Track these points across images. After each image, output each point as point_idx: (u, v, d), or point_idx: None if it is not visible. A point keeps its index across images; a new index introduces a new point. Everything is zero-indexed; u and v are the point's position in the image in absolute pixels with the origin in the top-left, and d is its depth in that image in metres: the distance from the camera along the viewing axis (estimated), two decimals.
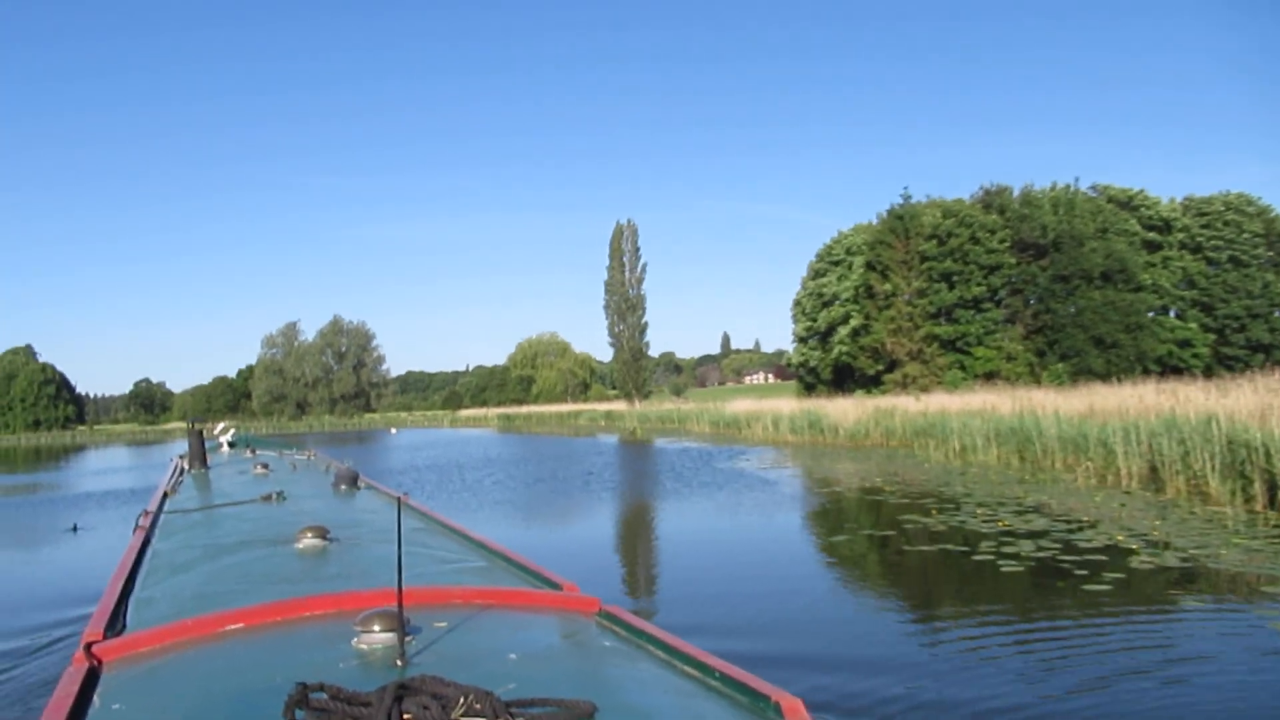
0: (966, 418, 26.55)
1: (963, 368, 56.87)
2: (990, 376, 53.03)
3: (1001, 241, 57.61)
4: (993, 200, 60.55)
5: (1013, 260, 57.76)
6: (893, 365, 59.15)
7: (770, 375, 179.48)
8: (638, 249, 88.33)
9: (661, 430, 57.27)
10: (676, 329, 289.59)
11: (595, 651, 2.89)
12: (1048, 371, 53.90)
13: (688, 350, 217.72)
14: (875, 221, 64.83)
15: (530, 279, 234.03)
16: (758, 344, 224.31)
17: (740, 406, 49.91)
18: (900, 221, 59.68)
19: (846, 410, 36.44)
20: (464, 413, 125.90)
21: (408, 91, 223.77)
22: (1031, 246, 57.82)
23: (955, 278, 57.59)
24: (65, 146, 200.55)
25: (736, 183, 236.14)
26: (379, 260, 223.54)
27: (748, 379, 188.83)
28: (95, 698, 2.51)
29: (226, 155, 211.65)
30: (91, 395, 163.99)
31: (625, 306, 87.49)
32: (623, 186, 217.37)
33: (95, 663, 2.80)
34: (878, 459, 27.08)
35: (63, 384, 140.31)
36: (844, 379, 64.96)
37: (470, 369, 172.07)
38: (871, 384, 59.57)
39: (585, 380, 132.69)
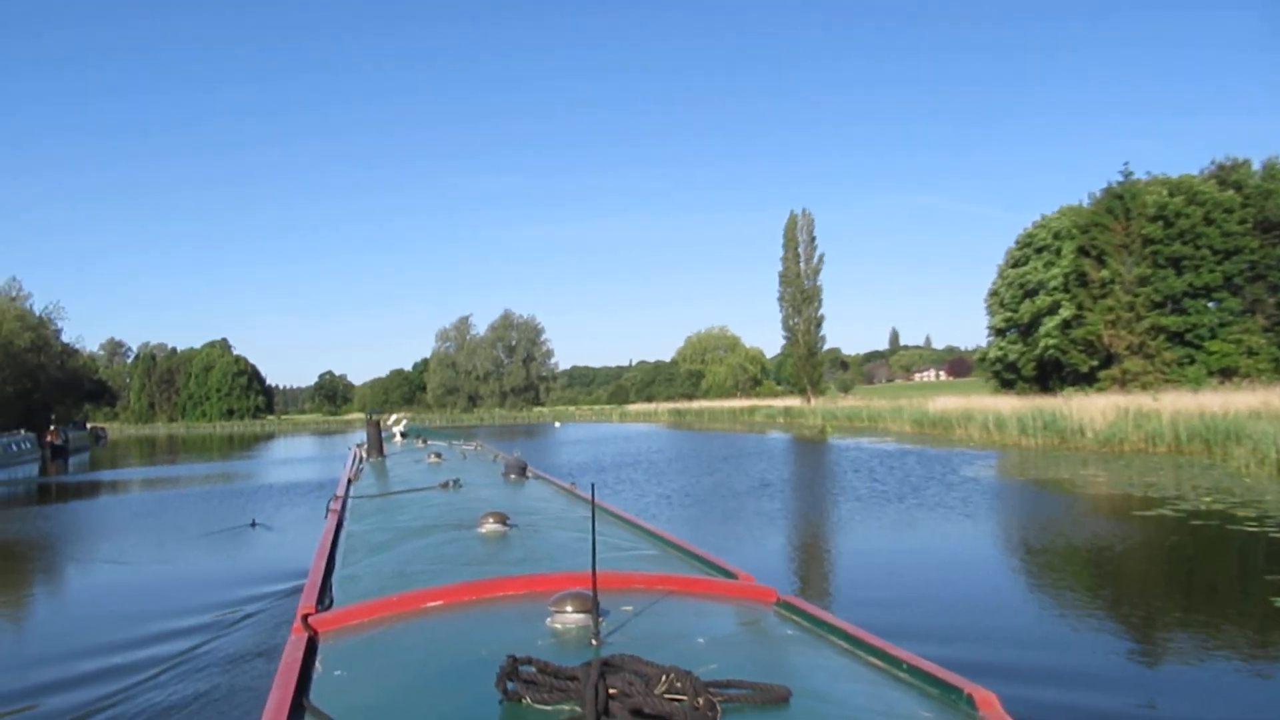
0: (1268, 420, 22.43)
1: (1192, 363, 51.05)
2: (1226, 373, 47.31)
3: (1241, 222, 51.41)
4: (1228, 176, 54.21)
5: (1255, 243, 51.39)
6: (1109, 360, 53.81)
7: (942, 372, 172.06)
8: (813, 238, 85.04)
9: (850, 429, 54.16)
10: (842, 324, 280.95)
11: (778, 639, 2.96)
12: None
13: (853, 346, 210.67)
14: (1086, 203, 59.34)
15: (698, 273, 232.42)
16: (928, 340, 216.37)
17: (948, 404, 46.14)
18: (1119, 201, 54.25)
19: (1093, 410, 32.27)
20: (632, 407, 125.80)
21: (574, 92, 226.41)
22: (1276, 227, 51.29)
23: (1184, 263, 51.89)
24: (254, 147, 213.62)
25: (907, 175, 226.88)
26: (547, 257, 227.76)
27: (917, 376, 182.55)
28: (317, 664, 2.77)
29: (402, 156, 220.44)
30: (280, 386, 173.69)
31: (800, 298, 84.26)
32: (789, 182, 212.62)
33: (312, 633, 3.10)
34: (1166, 469, 23.13)
35: (254, 375, 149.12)
36: (1049, 375, 59.80)
37: (633, 364, 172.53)
38: (1084, 381, 54.46)
39: (756, 376, 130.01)
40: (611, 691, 2.03)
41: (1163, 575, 12.22)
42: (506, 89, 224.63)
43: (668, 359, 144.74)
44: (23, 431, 56.76)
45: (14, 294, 70.93)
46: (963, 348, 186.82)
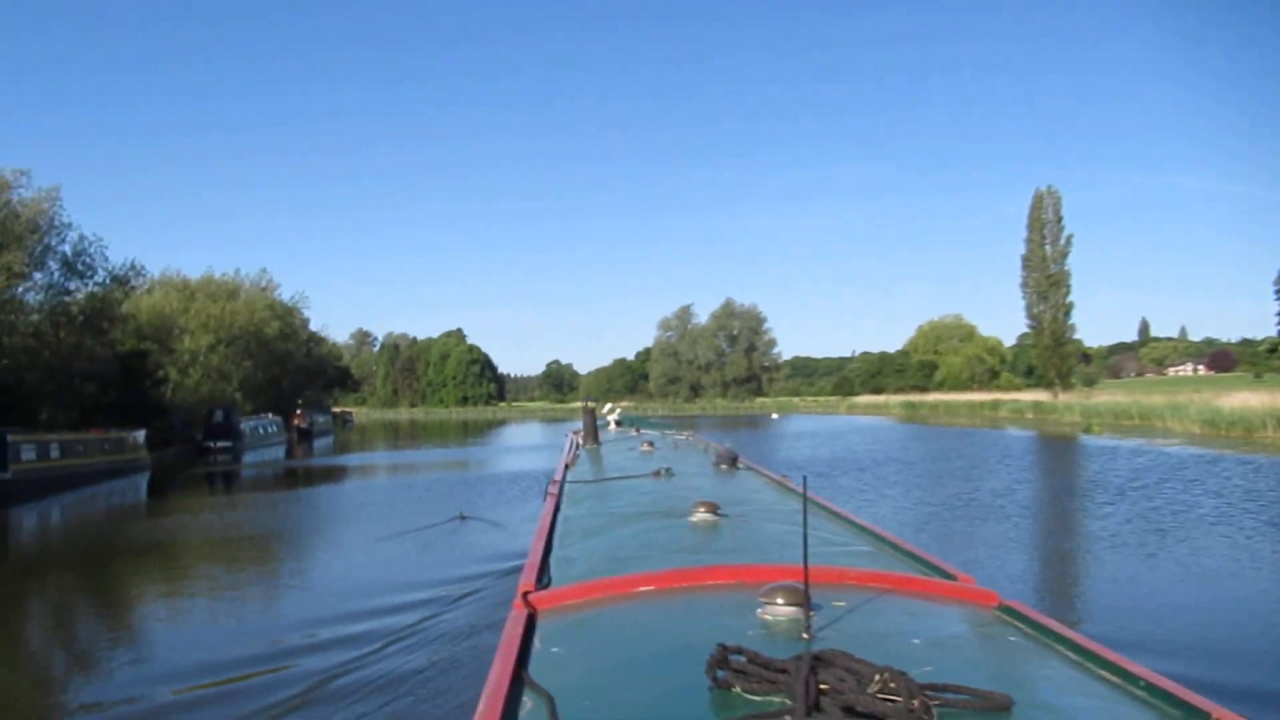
0: None
1: None
2: None
3: None
4: None
5: None
6: None
7: (1201, 366, 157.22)
8: (1060, 219, 79.82)
9: (1115, 427, 49.83)
10: (1083, 313, 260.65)
11: (1000, 645, 2.85)
12: None
13: (1095, 338, 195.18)
14: None
15: (929, 259, 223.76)
16: (1183, 331, 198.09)
17: (1249, 400, 41.46)
18: None
19: None
20: (860, 399, 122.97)
21: (796, 82, 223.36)
22: None
23: None
24: (489, 142, 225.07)
25: (1160, 155, 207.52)
26: (770, 245, 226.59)
27: (1170, 370, 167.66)
28: (536, 640, 2.92)
29: (628, 150, 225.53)
30: (510, 374, 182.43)
31: (1046, 284, 79.32)
32: (1032, 161, 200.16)
33: (531, 610, 3.27)
34: None
35: (487, 364, 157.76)
36: None
37: (857, 354, 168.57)
38: None
39: (994, 367, 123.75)
40: (822, 687, 2.03)
41: None
42: (732, 84, 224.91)
43: (893, 349, 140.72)
44: (271, 415, 62.24)
45: (264, 284, 77.63)
46: (1225, 339, 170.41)
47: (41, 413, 37.82)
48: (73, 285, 41.58)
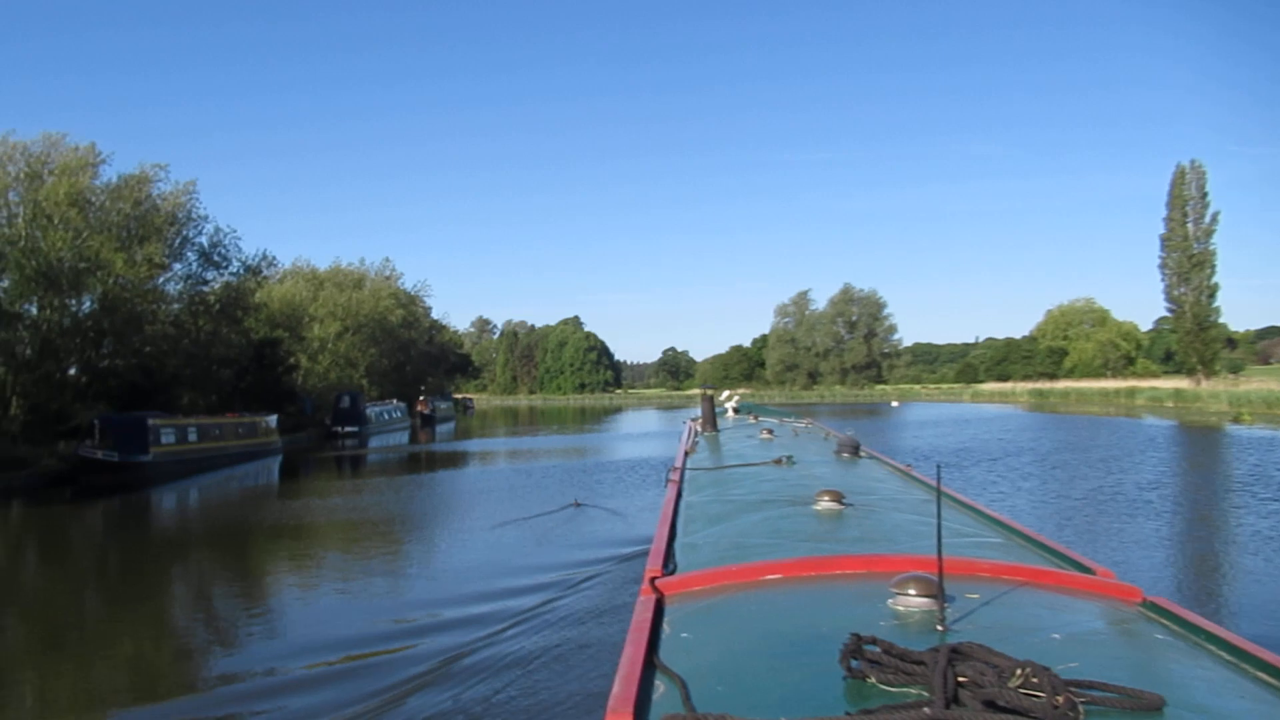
0: None
1: None
2: None
3: None
4: None
5: None
6: None
7: None
8: (1205, 195, 75.58)
9: (1268, 417, 46.97)
10: (1227, 296, 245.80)
11: (1145, 642, 2.77)
12: None
13: (1241, 322, 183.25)
14: None
15: (1058, 241, 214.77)
16: None
17: None
18: None
19: None
20: (984, 387, 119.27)
21: (915, 62, 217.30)
22: None
23: None
24: (601, 131, 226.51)
25: None
26: (888, 228, 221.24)
27: None
28: (665, 624, 2.95)
29: (742, 136, 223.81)
30: (627, 362, 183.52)
31: (1188, 265, 75.23)
32: (1170, 134, 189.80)
33: (659, 595, 3.30)
34: None
35: (603, 351, 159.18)
36: None
37: (980, 340, 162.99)
38: None
39: (1129, 353, 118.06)
40: (961, 680, 1.99)
41: None
42: (850, 65, 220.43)
43: (1019, 335, 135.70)
44: (395, 401, 63.91)
45: (388, 273, 79.78)
46: None
47: (182, 398, 39.72)
48: (209, 275, 43.48)
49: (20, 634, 11.48)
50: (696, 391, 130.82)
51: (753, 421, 14.93)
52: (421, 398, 73.42)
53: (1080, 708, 1.95)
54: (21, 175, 34.20)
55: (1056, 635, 2.64)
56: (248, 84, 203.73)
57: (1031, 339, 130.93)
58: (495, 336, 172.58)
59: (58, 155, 35.60)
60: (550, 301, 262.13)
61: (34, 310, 33.78)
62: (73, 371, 35.40)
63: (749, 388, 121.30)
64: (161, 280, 40.16)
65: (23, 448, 28.44)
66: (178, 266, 41.71)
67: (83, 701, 8.69)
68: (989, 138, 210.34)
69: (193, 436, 32.26)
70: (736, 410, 17.67)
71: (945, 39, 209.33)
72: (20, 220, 33.56)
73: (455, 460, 36.15)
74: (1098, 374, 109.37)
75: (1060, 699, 1.91)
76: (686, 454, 9.34)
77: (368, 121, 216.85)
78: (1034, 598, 3.15)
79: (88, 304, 35.77)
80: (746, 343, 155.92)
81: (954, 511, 5.32)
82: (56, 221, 33.48)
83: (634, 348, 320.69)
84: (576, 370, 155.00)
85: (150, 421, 29.52)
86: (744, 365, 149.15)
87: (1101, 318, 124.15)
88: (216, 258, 43.20)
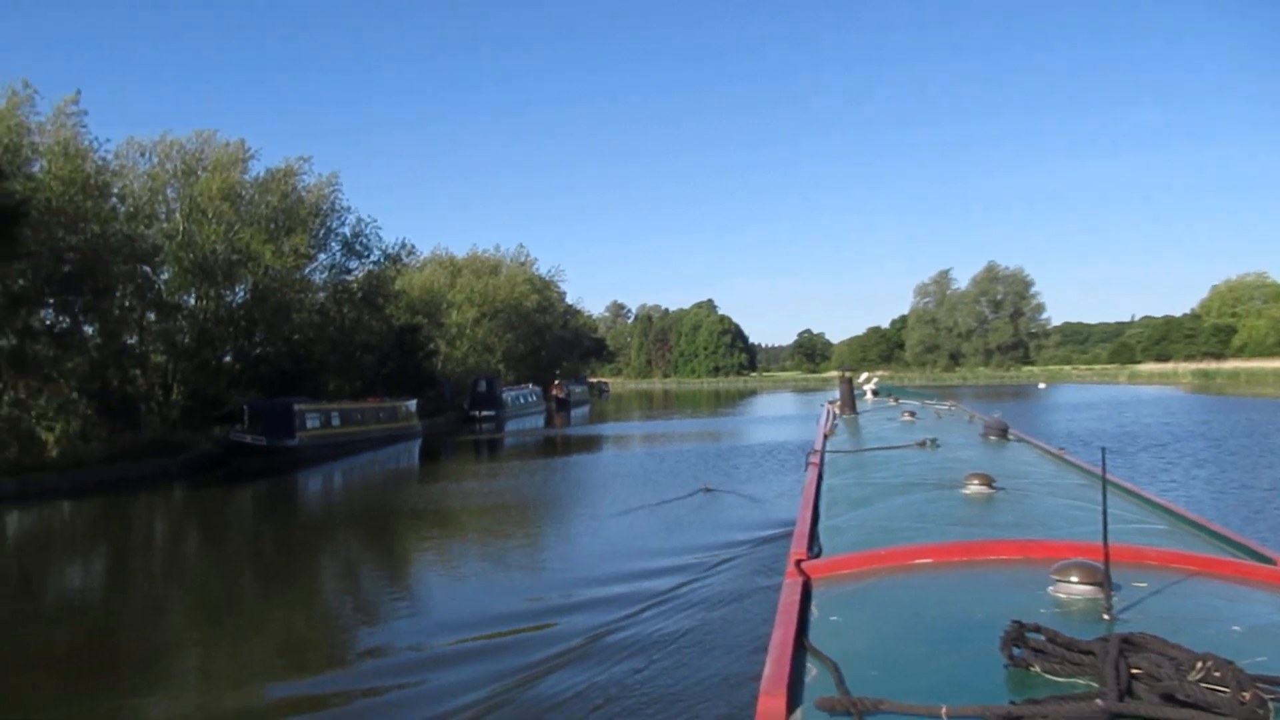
0: None
1: None
2: None
3: None
4: None
5: None
6: None
7: None
8: None
9: None
10: None
11: None
12: None
13: None
14: None
15: (1224, 212, 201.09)
16: None
17: None
18: None
19: None
20: (1143, 368, 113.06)
21: (1069, 33, 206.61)
22: None
23: None
24: (736, 116, 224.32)
25: None
26: (1035, 204, 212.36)
27: None
28: (813, 607, 2.89)
29: (877, 115, 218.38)
30: (762, 344, 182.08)
31: None
32: None
33: (805, 578, 3.24)
34: None
35: (738, 334, 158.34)
36: None
37: (1136, 319, 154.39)
38: None
39: None
40: (1134, 672, 1.89)
41: None
42: (991, 38, 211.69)
43: (1180, 312, 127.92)
44: (530, 385, 64.82)
45: (523, 259, 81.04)
46: None
47: (328, 383, 41.24)
48: (352, 264, 44.98)
49: (184, 611, 12.07)
50: (833, 374, 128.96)
51: (893, 404, 14.67)
52: (556, 382, 74.42)
53: (1270, 704, 1.80)
54: (178, 171, 35.96)
55: (1237, 628, 2.48)
56: (391, 85, 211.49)
57: (1195, 316, 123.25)
58: (630, 321, 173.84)
59: (210, 152, 37.40)
60: (684, 286, 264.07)
61: (191, 301, 35.59)
62: (227, 359, 37.20)
63: (887, 370, 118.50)
64: (307, 270, 41.83)
65: (182, 432, 29.95)
66: (322, 256, 43.38)
67: (241, 674, 9.06)
68: (1145, 109, 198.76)
69: (336, 421, 33.36)
70: (875, 393, 17.32)
71: (1099, 9, 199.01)
72: (178, 215, 35.32)
73: (589, 444, 36.28)
74: (1271, 353, 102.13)
75: (1247, 695, 1.77)
76: (826, 436, 9.19)
77: (508, 118, 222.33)
78: (1209, 588, 2.98)
79: (240, 294, 37.45)
80: (884, 324, 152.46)
81: (1115, 497, 5.05)
82: (210, 215, 35.12)
83: (768, 330, 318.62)
84: (710, 353, 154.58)
85: (296, 407, 30.65)
86: (882, 347, 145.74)
87: (1275, 293, 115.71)
88: (358, 247, 44.71)
